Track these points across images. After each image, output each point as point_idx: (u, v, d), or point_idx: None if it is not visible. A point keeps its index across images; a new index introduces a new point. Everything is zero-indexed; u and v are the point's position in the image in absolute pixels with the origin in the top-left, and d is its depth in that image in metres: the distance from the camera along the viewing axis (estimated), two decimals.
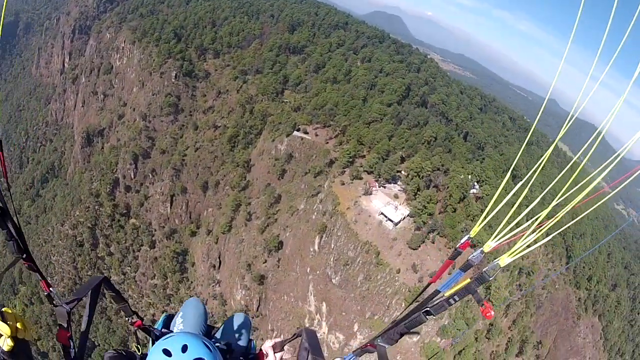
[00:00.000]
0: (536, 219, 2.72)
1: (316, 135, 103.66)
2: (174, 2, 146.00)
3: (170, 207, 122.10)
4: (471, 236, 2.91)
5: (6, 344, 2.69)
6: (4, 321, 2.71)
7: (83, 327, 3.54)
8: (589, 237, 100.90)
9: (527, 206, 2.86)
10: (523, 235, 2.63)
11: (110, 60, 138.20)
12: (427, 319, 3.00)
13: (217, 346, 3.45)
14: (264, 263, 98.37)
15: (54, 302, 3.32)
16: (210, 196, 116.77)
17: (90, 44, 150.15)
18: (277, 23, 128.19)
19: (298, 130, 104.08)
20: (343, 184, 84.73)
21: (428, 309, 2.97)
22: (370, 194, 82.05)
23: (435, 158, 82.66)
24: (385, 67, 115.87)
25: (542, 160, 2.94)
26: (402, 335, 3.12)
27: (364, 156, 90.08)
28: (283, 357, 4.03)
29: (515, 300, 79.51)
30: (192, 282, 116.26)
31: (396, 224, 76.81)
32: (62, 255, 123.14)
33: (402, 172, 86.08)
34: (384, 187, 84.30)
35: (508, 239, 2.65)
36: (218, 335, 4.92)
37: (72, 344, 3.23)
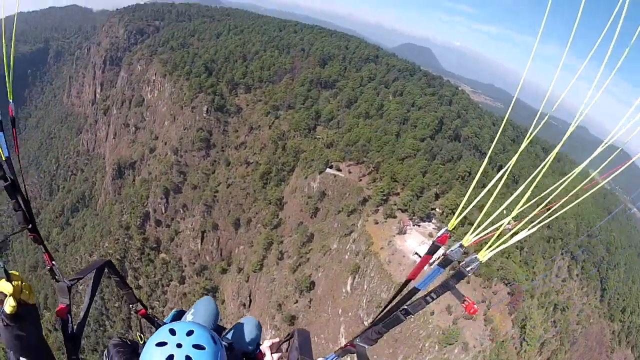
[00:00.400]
0: (517, 214, 2.64)
1: (349, 172, 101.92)
2: (204, 35, 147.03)
3: (201, 243, 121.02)
4: (449, 229, 2.77)
5: (8, 304, 2.64)
6: (9, 281, 2.69)
7: (84, 306, 3.74)
8: (622, 267, 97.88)
9: (510, 200, 2.73)
10: (502, 229, 2.58)
11: (141, 93, 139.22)
12: (406, 319, 2.93)
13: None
14: (294, 303, 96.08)
15: (56, 277, 3.51)
16: (242, 233, 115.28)
17: (121, 75, 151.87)
18: (308, 57, 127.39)
19: (331, 167, 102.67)
20: (377, 222, 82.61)
21: (406, 307, 2.89)
22: (405, 233, 79.94)
23: (471, 194, 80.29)
24: (417, 101, 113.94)
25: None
26: (380, 334, 3.05)
27: (398, 193, 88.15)
28: (281, 357, 3.94)
29: (550, 337, 75.25)
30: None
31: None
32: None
33: (437, 209, 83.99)
34: (419, 225, 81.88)
35: (488, 233, 2.60)
36: (228, 336, 4.64)
37: (70, 318, 3.31)
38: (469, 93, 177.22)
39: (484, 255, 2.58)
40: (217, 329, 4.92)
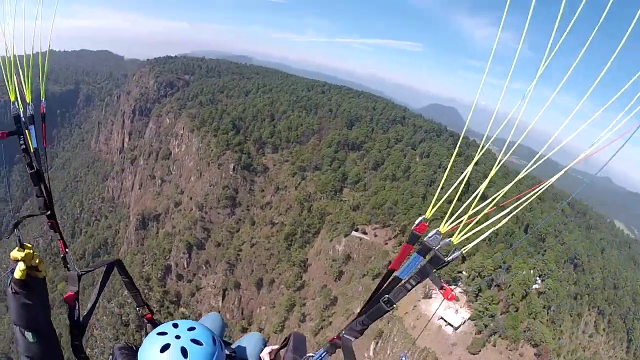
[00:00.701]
0: (491, 201, 2.77)
1: (375, 235, 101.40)
2: (233, 92, 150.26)
3: (222, 301, 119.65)
4: (427, 218, 2.76)
5: (18, 268, 2.82)
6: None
7: (92, 298, 3.94)
8: None
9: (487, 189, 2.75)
10: (476, 217, 2.70)
11: (169, 146, 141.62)
12: (389, 309, 2.93)
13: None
14: None
15: (68, 265, 3.73)
16: (264, 294, 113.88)
17: (150, 126, 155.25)
18: (335, 118, 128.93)
19: (357, 230, 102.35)
20: None
21: (387, 297, 2.91)
22: (430, 297, 78.66)
23: (497, 255, 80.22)
24: (444, 162, 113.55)
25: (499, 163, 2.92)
26: (365, 325, 3.07)
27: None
28: None
29: None
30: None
31: (456, 329, 73.51)
32: (105, 330, 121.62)
33: (464, 272, 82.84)
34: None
35: (464, 220, 2.65)
36: (232, 346, 4.64)
37: (77, 305, 3.44)
38: (495, 152, 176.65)
39: (457, 239, 2.60)
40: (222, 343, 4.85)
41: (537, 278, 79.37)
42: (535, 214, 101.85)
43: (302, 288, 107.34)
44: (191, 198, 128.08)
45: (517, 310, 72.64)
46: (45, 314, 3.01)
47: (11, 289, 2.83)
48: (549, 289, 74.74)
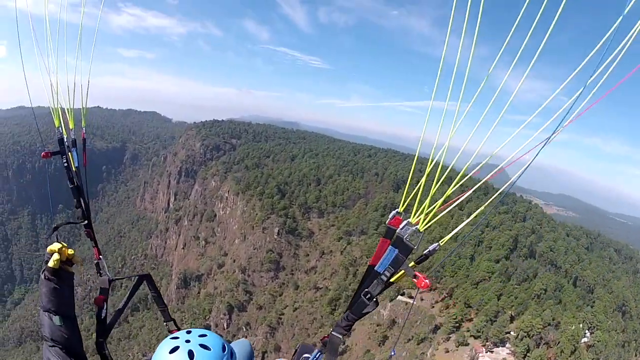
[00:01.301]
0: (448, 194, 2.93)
1: (421, 299, 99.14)
2: (279, 157, 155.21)
3: None
4: (400, 212, 2.95)
5: (53, 258, 3.14)
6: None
7: (121, 305, 4.03)
8: None
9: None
10: (441, 206, 2.82)
11: (213, 208, 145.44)
12: (370, 303, 2.96)
13: None
14: None
15: (100, 271, 4.00)
16: None
17: (195, 188, 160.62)
18: (382, 181, 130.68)
19: (402, 294, 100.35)
20: (447, 351, 79.03)
21: (367, 291, 2.95)
22: None
23: (546, 313, 78.19)
24: (491, 221, 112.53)
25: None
26: (350, 321, 3.09)
27: (471, 319, 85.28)
28: None
29: None
30: None
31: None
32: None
33: (512, 332, 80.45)
34: (491, 351, 77.83)
35: (430, 211, 2.79)
36: None
37: (105, 306, 3.68)
38: (542, 206, 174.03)
39: (422, 226, 2.76)
40: None
41: (587, 331, 77.55)
42: (585, 266, 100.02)
43: (344, 353, 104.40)
44: (234, 261, 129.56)
45: None
46: (71, 304, 3.38)
47: (44, 275, 3.20)
48: (598, 342, 72.86)
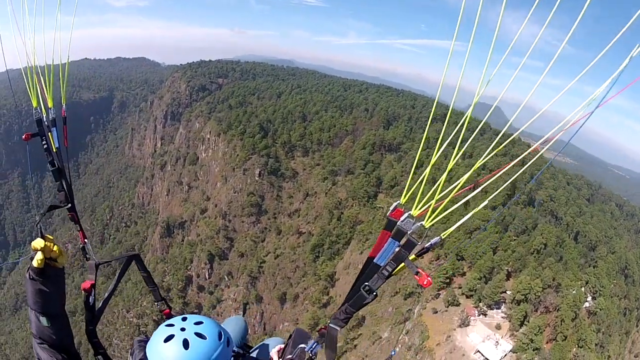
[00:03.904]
0: (458, 184, 2.82)
1: None
2: (264, 94, 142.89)
3: (243, 315, 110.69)
4: (401, 203, 2.79)
5: (37, 257, 2.91)
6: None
7: (109, 289, 3.86)
8: None
9: (454, 173, 2.47)
10: (445, 199, 2.76)
11: (196, 151, 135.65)
12: (369, 296, 2.90)
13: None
14: None
15: (87, 255, 3.91)
16: (287, 309, 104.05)
17: (180, 131, 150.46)
18: (372, 118, 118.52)
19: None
20: (435, 312, 71.67)
21: (367, 284, 2.90)
22: (468, 325, 67.73)
23: (546, 272, 71.31)
24: (488, 163, 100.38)
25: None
26: (348, 314, 3.05)
27: (463, 274, 77.69)
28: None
29: None
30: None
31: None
32: (123, 341, 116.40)
33: (508, 291, 72.52)
34: (485, 314, 70.21)
35: (434, 203, 2.65)
36: (253, 355, 4.72)
37: (93, 292, 3.54)
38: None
39: (428, 223, 2.57)
40: (242, 346, 4.91)
41: (588, 296, 71.74)
42: (586, 220, 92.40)
43: (327, 305, 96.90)
44: (216, 205, 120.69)
45: (565, 339, 62.94)
46: (60, 302, 3.07)
47: (29, 275, 2.91)
48: (600, 309, 67.12)
